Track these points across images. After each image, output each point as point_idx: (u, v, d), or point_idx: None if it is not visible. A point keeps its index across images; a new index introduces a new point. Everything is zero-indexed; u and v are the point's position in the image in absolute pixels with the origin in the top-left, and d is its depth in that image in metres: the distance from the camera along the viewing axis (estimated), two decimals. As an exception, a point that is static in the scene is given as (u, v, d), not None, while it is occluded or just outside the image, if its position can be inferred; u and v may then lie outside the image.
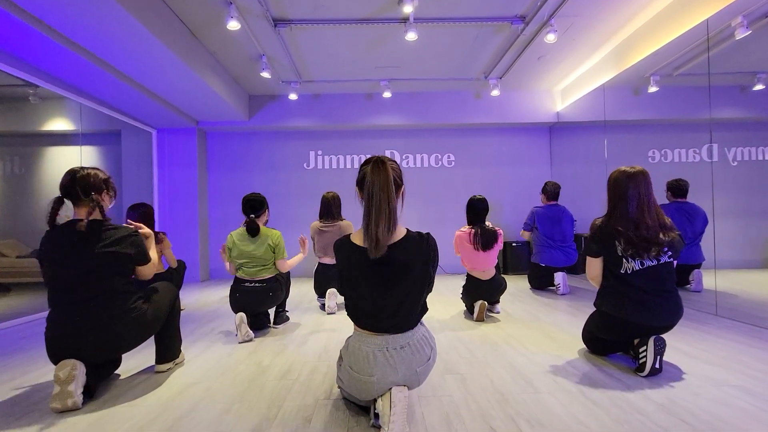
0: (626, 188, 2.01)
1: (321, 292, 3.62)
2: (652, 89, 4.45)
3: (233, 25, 3.43)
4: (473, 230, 3.06)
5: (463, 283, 3.25)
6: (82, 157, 4.39)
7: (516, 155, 6.11)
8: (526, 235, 4.51)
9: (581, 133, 5.83)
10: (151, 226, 3.28)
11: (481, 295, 3.09)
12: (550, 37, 3.79)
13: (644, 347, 1.91)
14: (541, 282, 4.35)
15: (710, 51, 3.21)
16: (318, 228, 3.62)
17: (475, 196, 3.14)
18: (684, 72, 4.14)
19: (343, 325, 3.02)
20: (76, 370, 1.67)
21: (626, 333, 2.03)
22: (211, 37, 4.02)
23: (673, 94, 4.70)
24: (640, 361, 1.92)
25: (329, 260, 3.59)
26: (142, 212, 3.19)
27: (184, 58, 3.69)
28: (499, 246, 3.09)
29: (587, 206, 5.93)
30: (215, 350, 2.49)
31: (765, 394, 1.69)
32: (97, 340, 1.74)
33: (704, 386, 1.79)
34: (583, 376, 1.94)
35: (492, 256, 3.11)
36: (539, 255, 4.31)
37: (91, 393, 1.78)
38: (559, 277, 4.09)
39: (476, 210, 3.10)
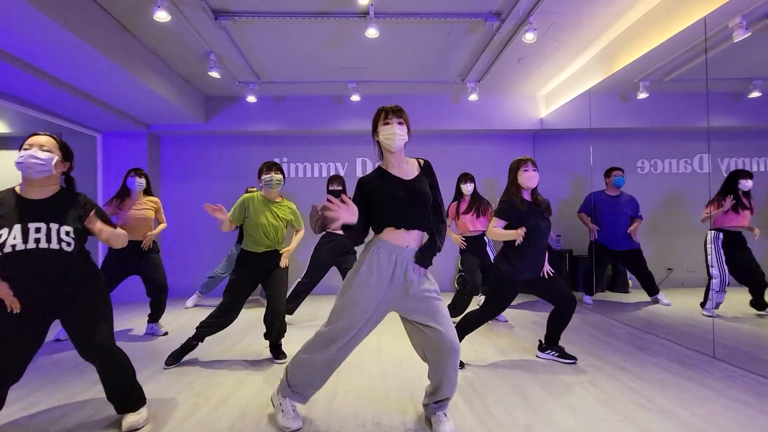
0: None
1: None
2: (642, 95, 4.09)
3: (161, 15, 2.94)
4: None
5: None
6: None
7: (497, 164, 5.66)
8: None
9: (566, 141, 5.43)
10: None
11: None
12: (529, 37, 3.37)
13: None
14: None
15: (707, 53, 2.81)
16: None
17: None
18: (675, 78, 3.78)
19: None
20: None
21: None
22: (146, 31, 3.51)
23: (663, 101, 4.34)
24: None
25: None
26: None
27: (113, 56, 3.20)
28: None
29: (572, 217, 5.54)
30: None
31: None
32: None
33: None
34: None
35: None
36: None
37: None
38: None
39: None
